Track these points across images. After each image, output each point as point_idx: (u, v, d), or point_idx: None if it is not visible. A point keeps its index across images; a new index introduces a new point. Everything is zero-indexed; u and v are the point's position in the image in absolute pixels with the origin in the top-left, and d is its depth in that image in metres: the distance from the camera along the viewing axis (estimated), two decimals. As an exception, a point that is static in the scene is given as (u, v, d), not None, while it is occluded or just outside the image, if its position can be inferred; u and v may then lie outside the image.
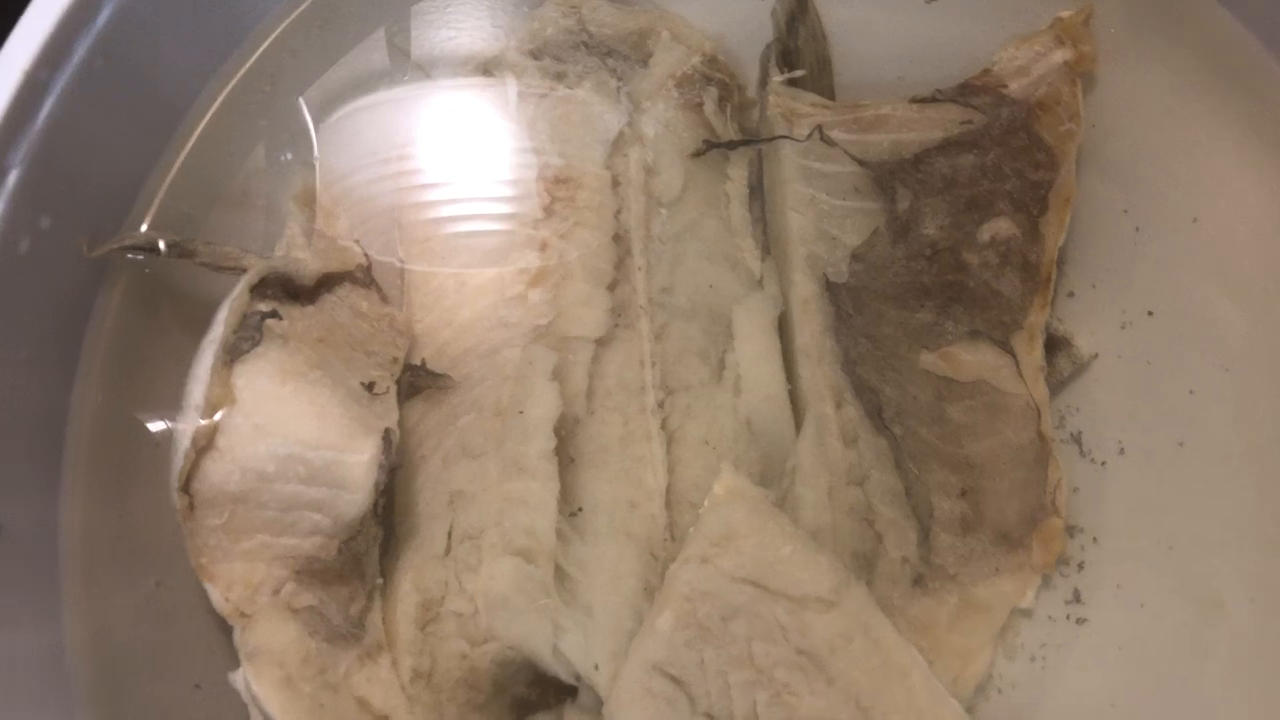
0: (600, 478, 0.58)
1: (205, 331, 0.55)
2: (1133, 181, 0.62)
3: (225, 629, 0.54)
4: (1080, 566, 0.59)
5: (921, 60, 0.64)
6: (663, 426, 0.59)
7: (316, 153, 0.62)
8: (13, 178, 0.53)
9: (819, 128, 0.62)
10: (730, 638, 0.53)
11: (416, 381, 0.59)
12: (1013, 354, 0.59)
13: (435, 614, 0.56)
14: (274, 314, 0.55)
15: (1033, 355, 0.59)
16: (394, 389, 0.57)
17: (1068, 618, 0.58)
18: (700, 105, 0.63)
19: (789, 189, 0.61)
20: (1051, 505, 0.58)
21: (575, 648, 0.54)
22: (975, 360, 0.59)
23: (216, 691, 0.53)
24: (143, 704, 0.56)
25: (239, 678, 0.52)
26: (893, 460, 0.59)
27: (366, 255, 0.60)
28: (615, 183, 0.62)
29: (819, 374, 0.60)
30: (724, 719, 0.53)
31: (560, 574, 0.55)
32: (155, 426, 0.55)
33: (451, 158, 0.63)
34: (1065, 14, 0.63)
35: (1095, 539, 0.59)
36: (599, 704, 0.54)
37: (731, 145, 0.64)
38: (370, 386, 0.56)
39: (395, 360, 0.58)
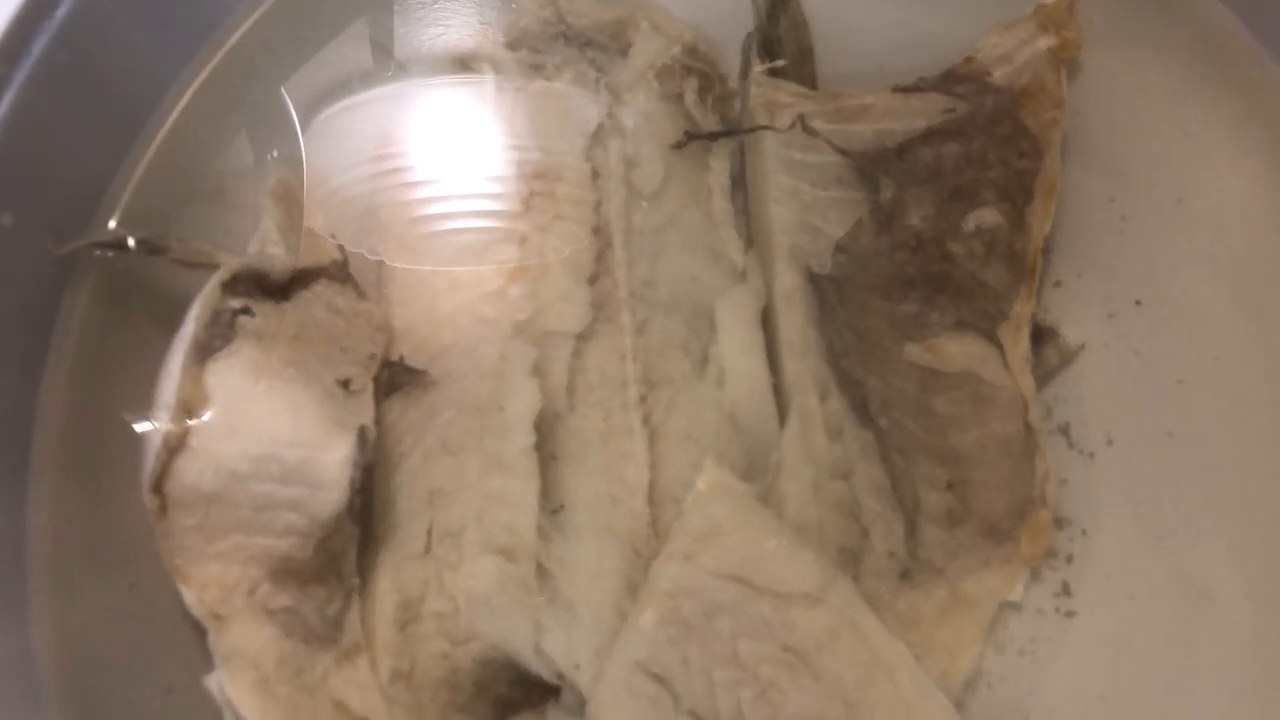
0: (582, 474, 0.57)
1: (177, 329, 0.54)
2: (1119, 169, 0.62)
3: (199, 632, 0.53)
4: (1069, 559, 0.58)
5: (904, 49, 0.64)
6: (645, 421, 0.58)
7: (302, 146, 0.61)
8: (-28, 174, 0.53)
9: (801, 118, 0.61)
10: (715, 635, 0.53)
11: (395, 378, 0.58)
12: (999, 345, 0.58)
13: (415, 614, 0.55)
14: (247, 311, 0.55)
15: (1019, 346, 0.58)
16: (371, 386, 0.57)
17: (1057, 611, 0.58)
18: (681, 96, 0.63)
19: (771, 180, 0.61)
20: (1039, 497, 0.57)
21: (558, 646, 0.54)
22: (961, 351, 0.58)
23: (190, 696, 0.52)
24: (115, 709, 0.55)
25: (213, 681, 0.52)
26: (878, 453, 0.58)
27: (342, 250, 0.60)
28: (595, 175, 0.61)
29: (803, 367, 0.59)
30: (709, 717, 0.52)
31: (542, 572, 0.55)
32: (126, 426, 0.55)
33: (428, 152, 0.63)
34: (1048, 0, 0.63)
35: (1084, 531, 0.59)
36: (582, 703, 0.53)
37: (713, 136, 0.63)
38: (346, 384, 0.56)
39: (372, 357, 0.58)
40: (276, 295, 0.57)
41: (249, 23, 0.64)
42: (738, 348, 0.60)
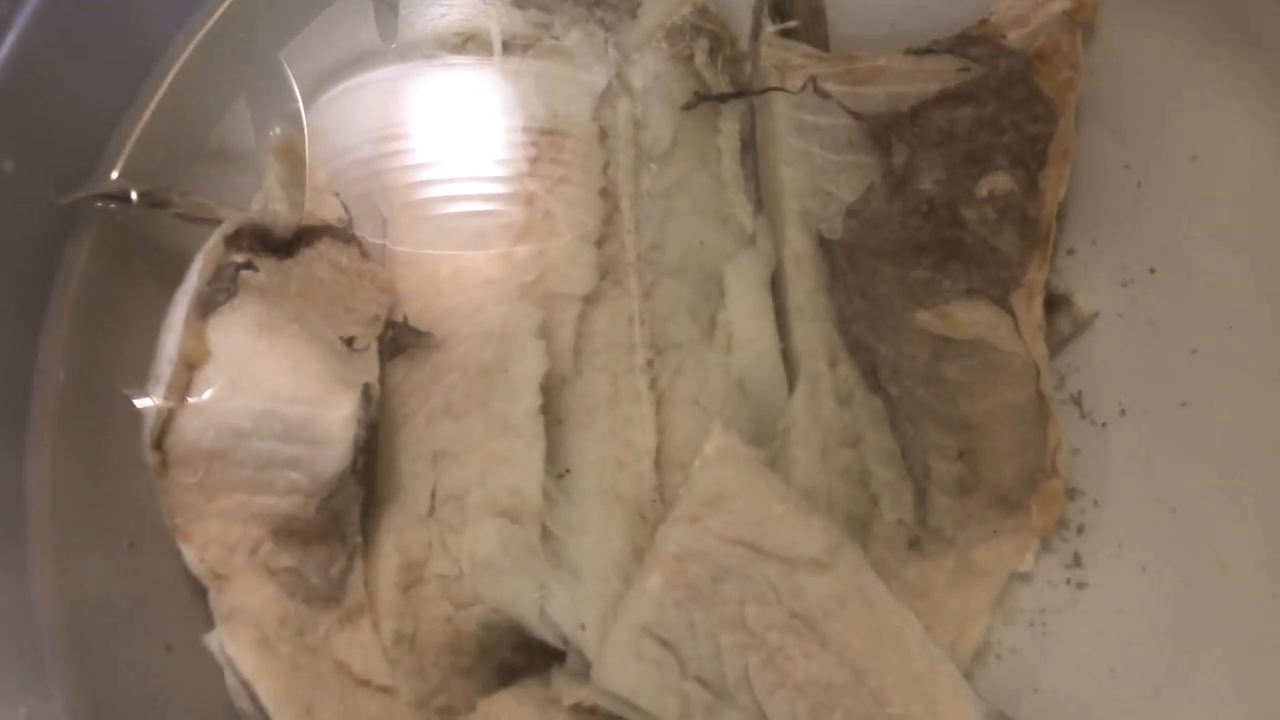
0: (588, 438, 0.57)
1: (178, 285, 0.54)
2: (1134, 135, 0.61)
3: (200, 590, 0.53)
4: (1080, 530, 0.58)
5: (918, 10, 0.63)
6: (652, 386, 0.58)
7: (300, 104, 0.60)
8: (-30, 117, 0.52)
9: (812, 80, 0.60)
10: (721, 599, 0.52)
11: (399, 339, 0.58)
12: (1011, 312, 0.57)
13: (418, 576, 0.55)
14: (250, 265, 0.54)
15: (1032, 313, 0.58)
16: (375, 345, 0.56)
17: (1068, 582, 0.57)
18: (690, 57, 0.62)
19: (782, 143, 0.60)
20: (1051, 467, 0.57)
21: (562, 610, 0.53)
22: (973, 319, 0.58)
23: (191, 653, 0.52)
24: (115, 665, 0.55)
25: (214, 639, 0.51)
26: (888, 421, 0.58)
27: (346, 208, 0.59)
28: (603, 136, 0.61)
29: (812, 332, 0.58)
30: (715, 682, 0.52)
31: (547, 535, 0.54)
32: (126, 381, 0.54)
33: (434, 111, 0.62)
34: (1064, -38, 0.62)
35: (1096, 501, 0.58)
36: (587, 668, 0.52)
37: (723, 98, 0.62)
38: (350, 342, 0.55)
39: (376, 317, 0.57)
40: (280, 252, 0.56)
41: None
42: (746, 312, 0.59)
